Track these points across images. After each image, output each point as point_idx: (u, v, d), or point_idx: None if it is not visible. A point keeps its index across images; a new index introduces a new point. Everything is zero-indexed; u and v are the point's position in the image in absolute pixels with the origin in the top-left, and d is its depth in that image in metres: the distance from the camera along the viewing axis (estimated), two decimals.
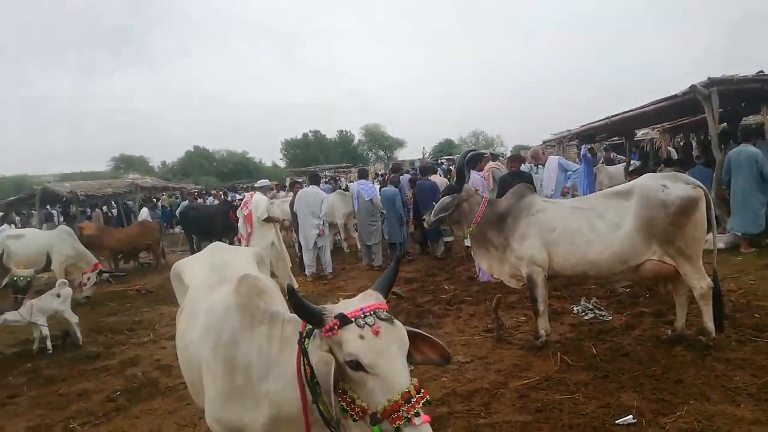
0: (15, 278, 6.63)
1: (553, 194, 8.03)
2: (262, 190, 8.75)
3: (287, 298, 1.84)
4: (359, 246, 10.50)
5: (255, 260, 3.25)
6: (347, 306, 1.78)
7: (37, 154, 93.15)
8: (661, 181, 4.49)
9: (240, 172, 52.68)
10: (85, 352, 6.59)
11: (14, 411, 5.02)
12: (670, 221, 4.27)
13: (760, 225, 7.52)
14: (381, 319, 1.71)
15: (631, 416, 3.51)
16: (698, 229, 4.32)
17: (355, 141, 61.71)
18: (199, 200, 19.18)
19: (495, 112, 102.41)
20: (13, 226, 14.33)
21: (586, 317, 5.75)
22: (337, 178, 25.93)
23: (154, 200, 22.60)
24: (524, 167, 12.56)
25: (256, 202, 8.15)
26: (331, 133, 61.23)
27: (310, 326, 1.85)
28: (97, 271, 9.50)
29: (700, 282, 4.31)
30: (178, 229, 16.64)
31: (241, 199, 17.57)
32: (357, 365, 1.66)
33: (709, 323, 4.38)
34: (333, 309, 1.78)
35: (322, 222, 9.17)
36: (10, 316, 6.48)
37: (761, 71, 8.20)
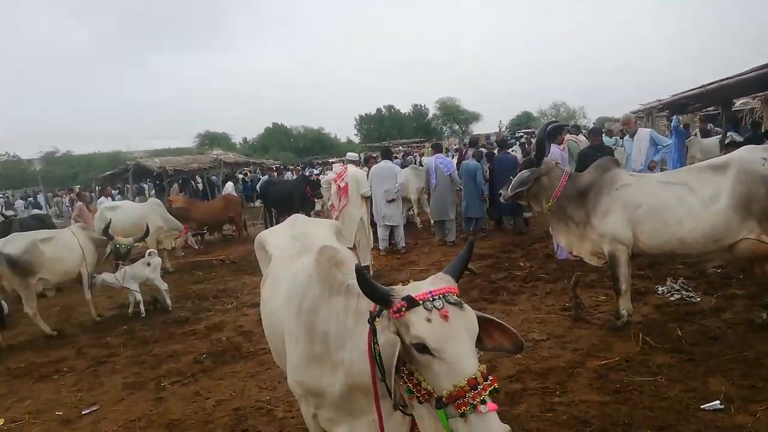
0: (117, 246, 7.18)
1: (642, 169, 7.59)
2: (355, 163, 8.77)
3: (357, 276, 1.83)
4: (432, 221, 10.46)
5: (334, 232, 3.32)
6: (416, 288, 1.74)
7: (129, 132, 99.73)
8: (761, 153, 4.12)
9: (316, 147, 53.73)
10: (175, 317, 7.04)
11: (112, 368, 5.48)
12: None
13: None
14: (450, 303, 1.67)
15: (718, 402, 3.33)
16: None
17: (430, 115, 61.11)
18: (279, 175, 19.75)
19: (577, 83, 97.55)
20: (110, 198, 15.39)
21: (672, 298, 5.46)
22: (410, 152, 25.80)
23: (239, 175, 23.52)
24: (608, 141, 12.03)
25: (355, 176, 8.10)
26: (405, 108, 61.05)
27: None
28: (189, 233, 10.73)
29: None
30: (258, 203, 17.24)
31: (318, 174, 18.06)
32: (423, 348, 1.64)
33: None
34: (401, 290, 1.74)
35: (395, 191, 9.15)
36: (108, 277, 7.08)
37: None
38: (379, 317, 1.83)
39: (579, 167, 6.91)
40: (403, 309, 1.67)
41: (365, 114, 60.30)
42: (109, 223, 7.66)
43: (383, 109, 60.12)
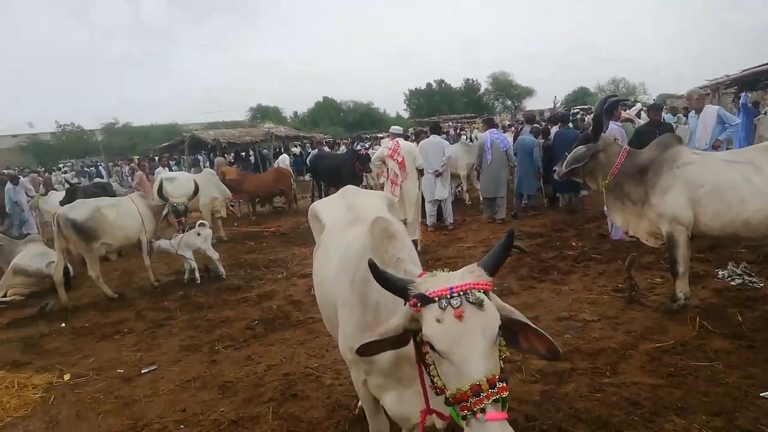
0: (174, 205, 7.52)
1: (706, 148, 7.23)
2: (402, 136, 8.74)
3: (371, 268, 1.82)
4: (481, 198, 10.32)
5: (386, 203, 3.34)
6: (437, 282, 1.66)
7: (184, 105, 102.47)
8: None
9: (365, 122, 53.71)
10: (228, 284, 7.28)
11: (169, 331, 5.74)
12: None
13: None
14: (469, 302, 1.58)
15: None
16: None
17: (482, 90, 59.90)
18: (333, 149, 19.87)
19: (639, 57, 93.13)
20: (166, 169, 15.92)
21: (733, 283, 5.23)
22: (459, 127, 25.38)
23: (294, 149, 23.80)
24: (669, 119, 11.49)
25: (409, 149, 8.04)
26: (456, 83, 60.02)
27: None
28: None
29: None
30: (307, 177, 17.45)
31: (367, 149, 18.06)
32: (432, 347, 1.62)
33: None
34: (422, 283, 1.68)
35: (441, 165, 9.05)
36: (164, 244, 7.42)
37: None
38: None
39: (635, 144, 6.64)
40: (418, 304, 1.64)
41: (415, 88, 59.71)
42: (161, 184, 7.94)
43: (433, 84, 59.31)
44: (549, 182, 9.91)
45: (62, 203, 9.14)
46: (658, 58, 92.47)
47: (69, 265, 7.57)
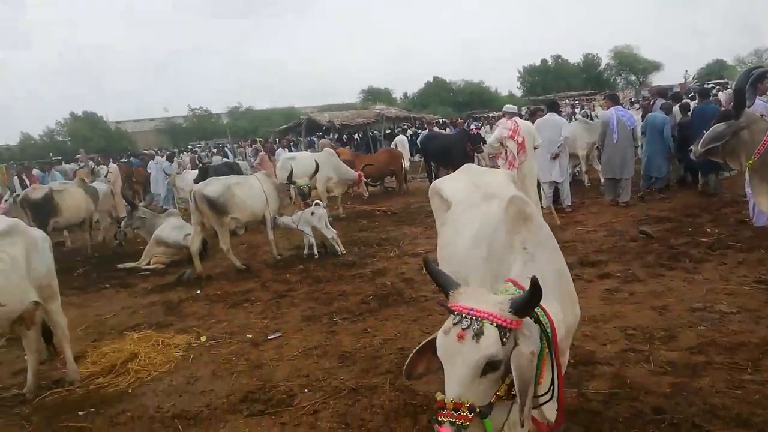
0: (300, 187, 8.03)
1: None
2: (517, 115, 8.51)
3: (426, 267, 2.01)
4: (602, 179, 9.76)
5: (511, 180, 3.29)
6: (468, 298, 1.77)
7: (301, 89, 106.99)
8: None
9: (475, 101, 52.73)
10: (344, 260, 7.57)
11: (291, 301, 6.10)
12: None
13: None
14: (472, 329, 1.68)
15: None
16: None
17: (602, 65, 56.31)
18: (439, 130, 19.79)
19: None
20: (287, 150, 16.77)
21: None
22: (576, 105, 24.06)
23: (410, 130, 24.02)
24: None
25: (528, 129, 7.80)
26: (574, 58, 56.90)
27: None
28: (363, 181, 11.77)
29: None
30: (418, 157, 17.53)
31: (478, 129, 17.76)
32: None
33: None
34: (458, 294, 1.81)
35: (558, 146, 8.67)
36: (286, 220, 7.93)
37: None
38: None
39: None
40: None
41: (529, 65, 57.45)
42: (291, 171, 8.36)
43: (549, 60, 56.67)
44: (683, 162, 9.17)
45: (196, 181, 9.97)
46: None
47: (205, 238, 8.25)
